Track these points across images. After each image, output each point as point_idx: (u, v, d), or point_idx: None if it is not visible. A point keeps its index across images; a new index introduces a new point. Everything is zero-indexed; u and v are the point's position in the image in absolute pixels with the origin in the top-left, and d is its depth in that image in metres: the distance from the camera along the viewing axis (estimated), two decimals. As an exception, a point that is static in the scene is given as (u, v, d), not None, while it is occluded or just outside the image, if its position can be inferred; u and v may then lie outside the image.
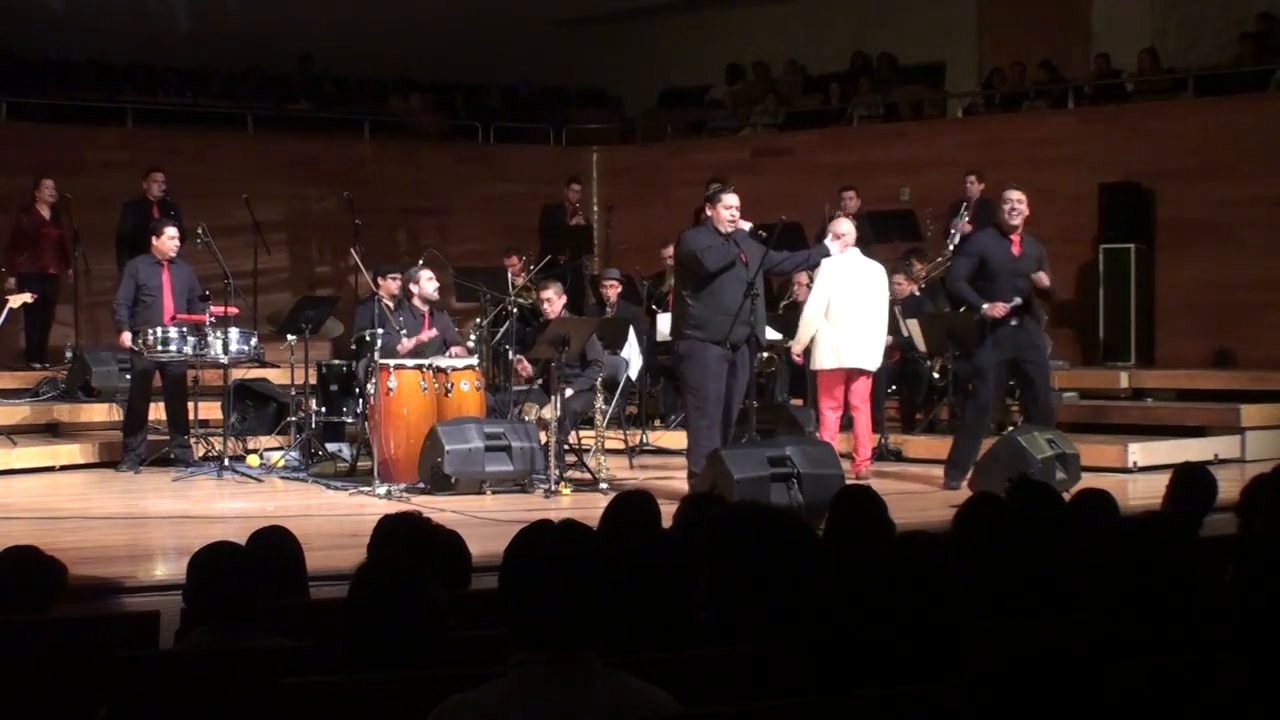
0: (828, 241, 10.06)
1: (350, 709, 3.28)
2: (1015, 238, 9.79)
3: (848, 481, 9.47)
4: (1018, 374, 9.85)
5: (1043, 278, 9.69)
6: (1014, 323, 9.63)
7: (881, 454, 11.27)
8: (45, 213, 13.75)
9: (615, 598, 3.02)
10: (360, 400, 10.87)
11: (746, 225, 9.45)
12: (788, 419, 11.55)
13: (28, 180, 14.01)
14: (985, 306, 9.61)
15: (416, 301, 10.98)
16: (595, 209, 16.29)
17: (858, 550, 3.35)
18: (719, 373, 9.30)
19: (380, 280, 11.22)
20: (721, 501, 5.08)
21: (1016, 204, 9.75)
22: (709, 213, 9.50)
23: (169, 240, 11.15)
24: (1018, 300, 9.61)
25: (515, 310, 11.39)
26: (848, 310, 10.45)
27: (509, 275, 13.29)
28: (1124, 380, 13.40)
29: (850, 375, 10.50)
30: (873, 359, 10.55)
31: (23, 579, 4.52)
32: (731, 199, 9.47)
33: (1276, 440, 11.64)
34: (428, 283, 11.00)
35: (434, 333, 10.83)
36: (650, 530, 4.67)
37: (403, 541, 4.54)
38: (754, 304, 9.24)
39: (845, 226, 10.49)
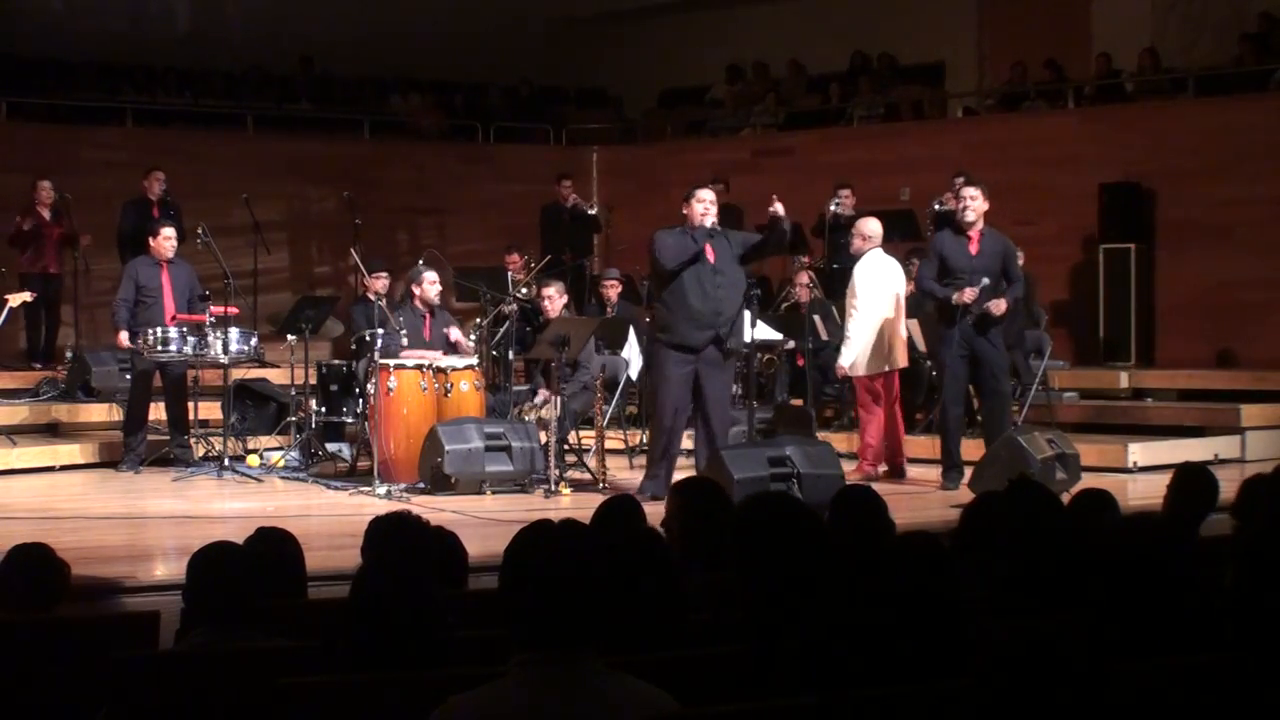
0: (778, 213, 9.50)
1: (350, 709, 3.28)
2: (973, 235, 9.78)
3: (859, 479, 9.54)
4: (977, 374, 9.84)
5: (996, 306, 9.61)
6: (969, 318, 9.60)
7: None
8: (45, 214, 13.74)
9: (614, 597, 3.03)
10: (360, 400, 10.87)
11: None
12: (794, 419, 11.55)
13: (28, 180, 14.01)
14: (955, 295, 9.62)
15: (418, 303, 10.94)
16: (595, 208, 16.29)
17: (858, 550, 3.35)
18: (679, 379, 9.20)
19: (369, 277, 11.21)
20: (715, 485, 5.16)
21: (969, 201, 9.76)
22: (684, 211, 9.42)
23: (165, 241, 11.14)
24: (985, 281, 9.57)
25: (515, 310, 11.38)
26: (886, 312, 10.53)
27: (509, 274, 13.29)
28: (1124, 380, 13.39)
29: (890, 376, 10.60)
30: (905, 357, 10.74)
31: (33, 577, 4.52)
32: (704, 193, 9.32)
33: (1276, 440, 11.64)
34: (430, 286, 10.90)
35: (439, 354, 10.70)
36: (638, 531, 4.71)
37: (395, 542, 4.53)
38: (720, 305, 9.11)
39: (872, 227, 10.61)
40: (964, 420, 10.29)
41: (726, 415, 9.49)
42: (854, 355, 10.54)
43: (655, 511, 4.96)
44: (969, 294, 9.57)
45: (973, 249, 9.74)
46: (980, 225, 9.78)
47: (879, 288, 10.53)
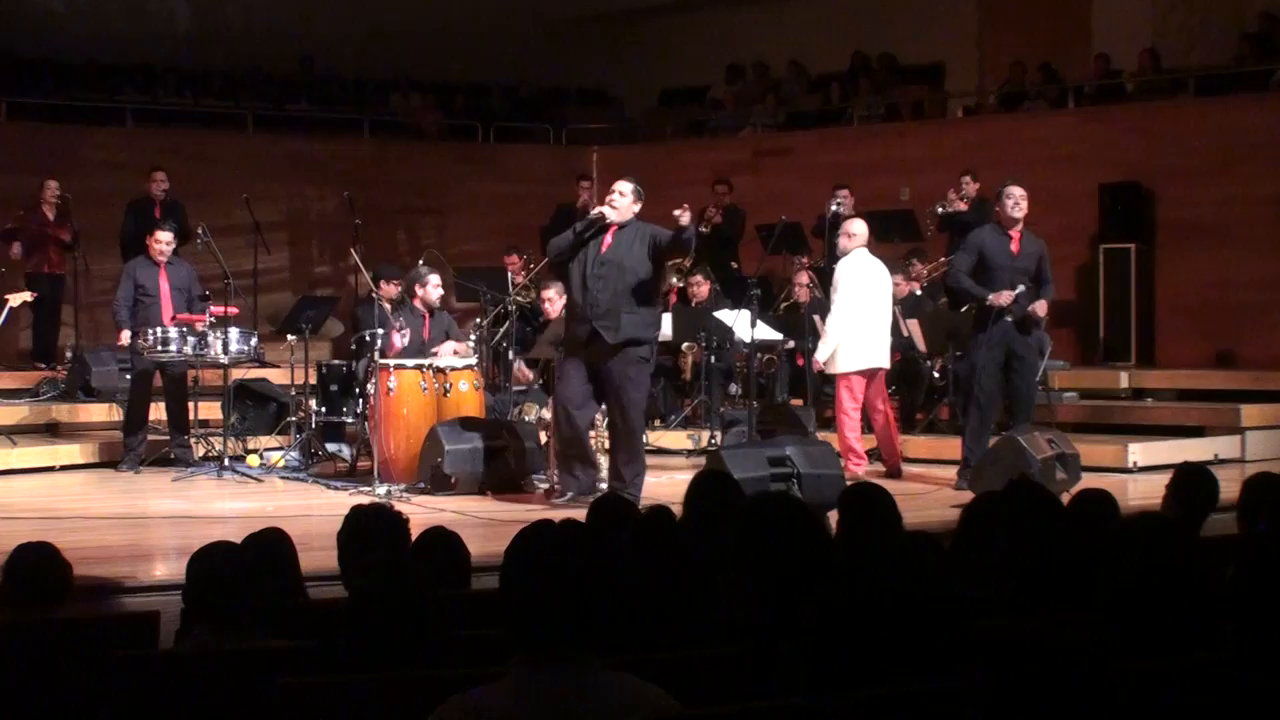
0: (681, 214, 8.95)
1: (350, 709, 3.28)
2: (1015, 234, 9.80)
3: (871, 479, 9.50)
4: (1008, 370, 9.83)
5: (1040, 308, 9.67)
6: (1009, 319, 9.61)
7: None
8: (50, 213, 13.74)
9: (615, 597, 3.02)
10: (360, 400, 10.87)
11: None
12: (790, 419, 11.54)
13: (28, 180, 14.01)
14: (990, 296, 9.60)
15: (418, 304, 10.93)
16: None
17: (858, 550, 3.35)
18: (570, 377, 8.98)
19: (382, 283, 11.21)
20: (728, 477, 5.15)
21: (1020, 200, 9.75)
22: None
23: (155, 245, 11.13)
24: (1022, 287, 9.59)
25: (515, 310, 11.37)
26: (870, 311, 10.48)
27: (509, 275, 13.29)
28: (1124, 380, 13.39)
29: (872, 375, 10.55)
30: (887, 357, 10.69)
31: (38, 576, 4.52)
32: (616, 185, 9.08)
33: (1276, 440, 11.64)
34: (434, 289, 10.89)
35: (436, 352, 10.68)
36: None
37: (373, 536, 4.52)
38: (596, 298, 8.81)
39: (858, 226, 10.58)
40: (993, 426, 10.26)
41: (623, 412, 9.00)
42: (829, 351, 10.51)
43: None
44: (1006, 296, 9.57)
45: (1014, 248, 9.76)
46: (1020, 225, 9.80)
47: (861, 286, 10.46)
